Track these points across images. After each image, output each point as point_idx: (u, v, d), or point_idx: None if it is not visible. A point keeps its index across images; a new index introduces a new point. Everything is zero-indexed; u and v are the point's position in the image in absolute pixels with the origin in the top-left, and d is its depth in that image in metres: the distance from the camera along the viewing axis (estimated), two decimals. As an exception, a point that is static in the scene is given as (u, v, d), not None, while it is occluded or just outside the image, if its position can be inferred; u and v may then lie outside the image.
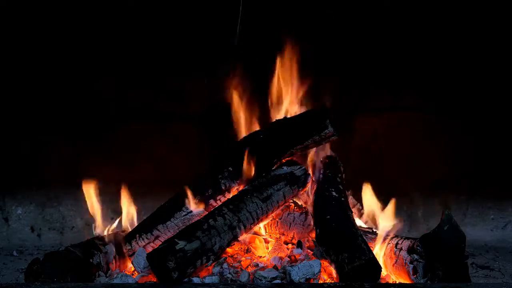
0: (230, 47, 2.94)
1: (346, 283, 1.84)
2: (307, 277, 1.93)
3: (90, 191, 2.34)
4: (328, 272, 2.04)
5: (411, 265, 1.96)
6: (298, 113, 2.49)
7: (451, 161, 3.23)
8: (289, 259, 2.15)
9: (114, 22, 3.09)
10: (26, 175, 3.21)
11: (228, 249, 2.15)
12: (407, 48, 3.15)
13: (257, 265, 2.10)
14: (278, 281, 1.94)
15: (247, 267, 2.09)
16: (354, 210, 2.40)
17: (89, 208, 2.36)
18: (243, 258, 2.15)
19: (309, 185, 2.34)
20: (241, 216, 2.08)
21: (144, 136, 3.21)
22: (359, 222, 2.39)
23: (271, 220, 2.34)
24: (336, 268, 1.94)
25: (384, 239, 2.16)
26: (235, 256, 2.17)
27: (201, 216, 2.15)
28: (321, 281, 1.96)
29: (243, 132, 2.54)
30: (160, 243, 2.09)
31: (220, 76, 2.80)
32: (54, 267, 1.92)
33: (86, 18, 3.08)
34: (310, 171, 2.40)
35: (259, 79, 2.67)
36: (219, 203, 2.24)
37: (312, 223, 2.27)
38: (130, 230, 2.32)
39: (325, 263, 2.03)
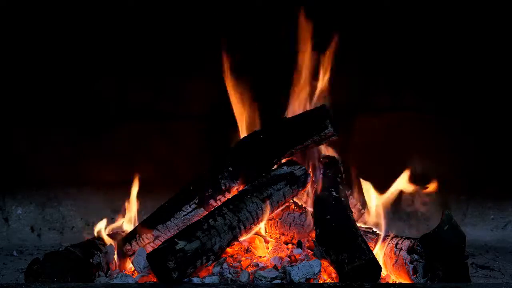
0: (230, 47, 2.95)
1: (346, 283, 1.84)
2: (307, 277, 1.93)
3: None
4: (328, 272, 2.04)
5: (411, 265, 1.96)
6: (298, 113, 2.49)
7: (451, 161, 3.23)
8: (289, 259, 2.15)
9: (114, 22, 3.09)
10: (26, 175, 3.21)
11: (228, 249, 2.15)
12: (407, 48, 3.16)
13: (257, 265, 2.10)
14: (278, 281, 1.94)
15: (247, 267, 2.09)
16: (354, 210, 2.40)
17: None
18: (243, 258, 2.15)
19: (309, 185, 2.34)
20: (241, 216, 2.08)
21: (144, 136, 3.21)
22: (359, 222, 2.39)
23: (271, 220, 2.34)
24: (336, 268, 1.94)
25: (384, 239, 2.17)
26: (235, 256, 2.17)
27: (201, 216, 2.15)
28: (321, 281, 1.96)
29: (243, 132, 2.54)
30: (160, 243, 2.09)
31: (220, 76, 2.79)
32: (54, 267, 1.92)
33: (86, 18, 3.09)
34: (310, 171, 2.40)
35: (260, 79, 2.67)
36: (219, 203, 2.24)
37: (312, 223, 2.27)
38: (130, 230, 2.32)
39: (325, 263, 2.03)
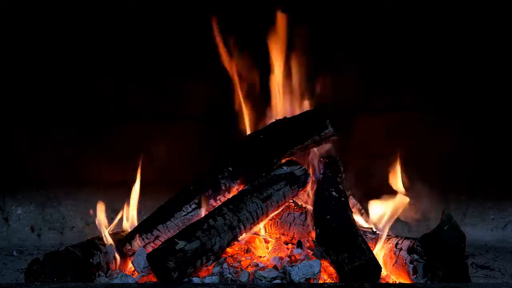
0: (230, 47, 2.95)
1: (346, 283, 1.84)
2: (307, 277, 1.93)
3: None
4: (328, 272, 2.04)
5: (411, 265, 1.96)
6: (298, 113, 2.49)
7: (451, 161, 3.23)
8: (289, 259, 2.15)
9: (114, 22, 3.09)
10: (26, 175, 3.21)
11: (228, 249, 2.15)
12: (407, 48, 3.15)
13: (257, 265, 2.10)
14: (278, 281, 1.94)
15: (247, 267, 2.09)
16: (354, 210, 2.40)
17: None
18: (243, 258, 2.15)
19: (309, 185, 2.34)
20: (241, 216, 2.08)
21: (144, 136, 3.21)
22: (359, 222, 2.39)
23: (271, 220, 2.34)
24: (336, 268, 1.94)
25: (384, 239, 2.17)
26: (235, 256, 2.17)
27: (201, 216, 2.15)
28: (321, 281, 1.96)
29: (243, 132, 2.54)
30: (160, 243, 2.09)
31: (220, 75, 2.79)
32: (54, 267, 1.92)
33: (86, 18, 3.09)
34: (310, 171, 2.40)
35: (260, 79, 2.67)
36: (219, 203, 2.24)
37: (312, 223, 2.27)
38: (130, 230, 2.32)
39: (325, 263, 2.03)
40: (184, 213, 2.24)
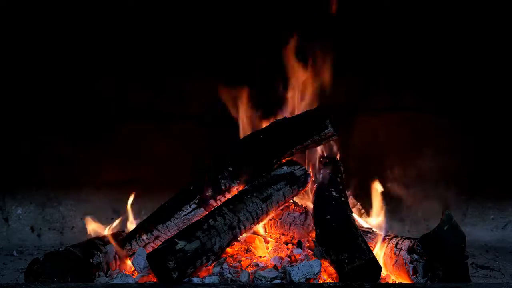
0: (230, 46, 2.95)
1: (346, 283, 1.84)
2: (307, 277, 1.93)
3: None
4: (328, 272, 2.04)
5: (411, 265, 1.96)
6: (298, 113, 2.49)
7: (451, 161, 3.23)
8: (289, 259, 2.15)
9: (114, 22, 3.09)
10: (26, 175, 3.21)
11: (228, 249, 2.15)
12: (407, 48, 3.16)
13: (257, 265, 2.10)
14: (278, 281, 1.94)
15: (247, 267, 2.09)
16: (354, 210, 2.40)
17: None
18: (243, 258, 2.15)
19: (309, 185, 2.34)
20: (241, 216, 2.08)
21: (144, 136, 3.21)
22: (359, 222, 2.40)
23: (271, 220, 2.34)
24: (336, 268, 1.94)
25: (384, 239, 2.17)
26: (235, 256, 2.17)
27: (201, 216, 2.15)
28: (321, 281, 1.96)
29: (243, 132, 2.54)
30: (160, 243, 2.09)
31: (220, 75, 2.80)
32: (54, 267, 1.92)
33: (86, 18, 3.09)
34: (310, 171, 2.40)
35: (260, 78, 2.67)
36: (219, 203, 2.24)
37: (312, 223, 2.27)
38: (130, 230, 2.33)
39: (325, 263, 2.04)
40: (184, 213, 2.24)
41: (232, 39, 3.09)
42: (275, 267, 2.04)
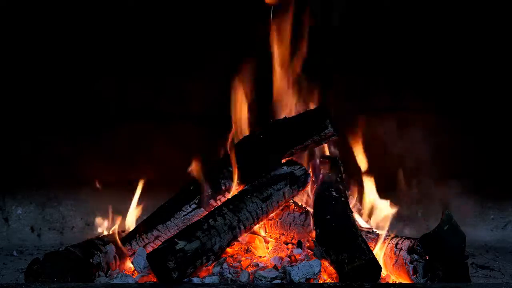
0: (230, 47, 2.95)
1: (346, 283, 1.84)
2: (307, 277, 1.93)
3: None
4: (328, 272, 2.04)
5: (411, 265, 1.96)
6: (298, 113, 2.49)
7: (451, 161, 3.22)
8: (289, 259, 2.15)
9: (114, 22, 3.09)
10: (26, 175, 3.21)
11: (228, 249, 2.15)
12: (407, 48, 3.15)
13: (257, 265, 2.10)
14: (278, 281, 1.94)
15: (247, 267, 2.09)
16: (354, 210, 2.40)
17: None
18: (243, 258, 2.15)
19: (309, 185, 2.34)
20: (241, 216, 2.08)
21: (144, 136, 3.21)
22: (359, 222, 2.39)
23: (271, 220, 2.34)
24: (336, 268, 1.94)
25: (384, 239, 2.17)
26: (235, 256, 2.17)
27: (201, 216, 2.15)
28: (321, 281, 1.96)
29: (243, 132, 2.54)
30: (160, 243, 2.09)
31: (220, 75, 2.79)
32: (54, 267, 1.92)
33: (86, 18, 3.09)
34: (310, 171, 2.40)
35: (260, 79, 2.67)
36: (219, 203, 2.24)
37: (312, 223, 2.27)
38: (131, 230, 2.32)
39: (325, 263, 2.03)
40: (184, 213, 2.24)
41: (232, 39, 3.09)
42: (275, 267, 2.04)
